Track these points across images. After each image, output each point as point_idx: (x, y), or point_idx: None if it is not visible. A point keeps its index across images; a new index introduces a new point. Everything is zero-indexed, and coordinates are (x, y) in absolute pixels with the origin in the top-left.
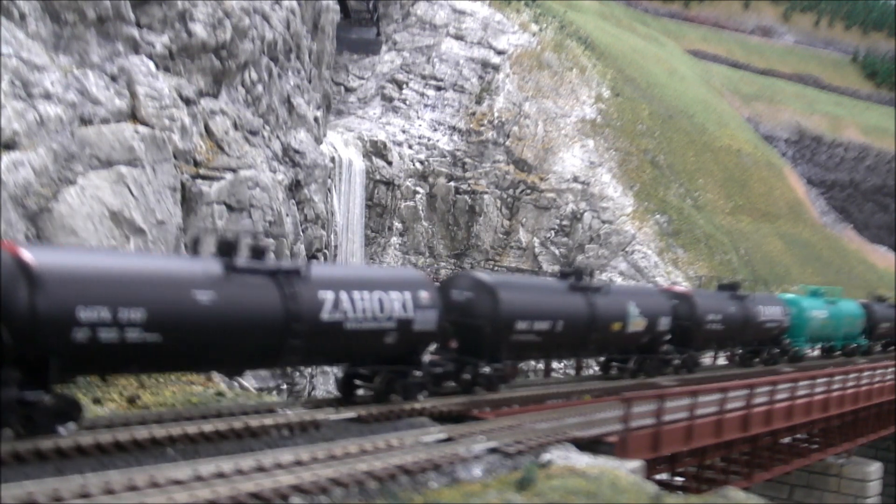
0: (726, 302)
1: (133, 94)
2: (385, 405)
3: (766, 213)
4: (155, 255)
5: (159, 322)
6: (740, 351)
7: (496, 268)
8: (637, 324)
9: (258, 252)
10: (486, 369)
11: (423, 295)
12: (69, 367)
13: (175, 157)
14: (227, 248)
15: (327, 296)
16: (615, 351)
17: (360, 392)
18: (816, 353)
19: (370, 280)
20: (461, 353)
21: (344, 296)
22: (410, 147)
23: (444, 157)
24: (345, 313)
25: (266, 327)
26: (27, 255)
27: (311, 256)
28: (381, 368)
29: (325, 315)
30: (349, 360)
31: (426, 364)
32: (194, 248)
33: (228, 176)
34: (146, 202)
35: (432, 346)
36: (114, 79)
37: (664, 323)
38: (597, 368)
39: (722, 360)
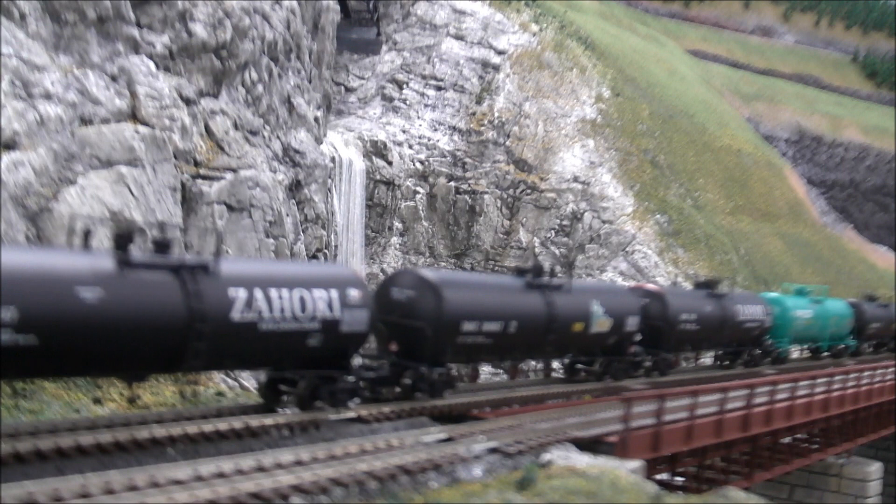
0: (702, 301)
1: (133, 94)
2: (310, 413)
3: (766, 213)
4: (35, 249)
5: (33, 323)
6: (720, 352)
7: (497, 268)
8: (601, 324)
9: (161, 246)
10: (432, 374)
11: (352, 293)
12: None
13: (175, 157)
14: (122, 241)
15: (239, 294)
16: (577, 353)
17: (286, 398)
18: (803, 354)
19: (291, 277)
20: (402, 357)
21: (259, 294)
22: (410, 147)
23: (445, 157)
24: (259, 313)
25: (165, 329)
26: None
27: (312, 256)
28: (307, 373)
29: (236, 315)
30: (267, 364)
31: (358, 368)
32: (84, 240)
33: (228, 176)
34: (146, 202)
35: (372, 350)
36: (114, 79)
37: (632, 323)
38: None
39: (708, 361)
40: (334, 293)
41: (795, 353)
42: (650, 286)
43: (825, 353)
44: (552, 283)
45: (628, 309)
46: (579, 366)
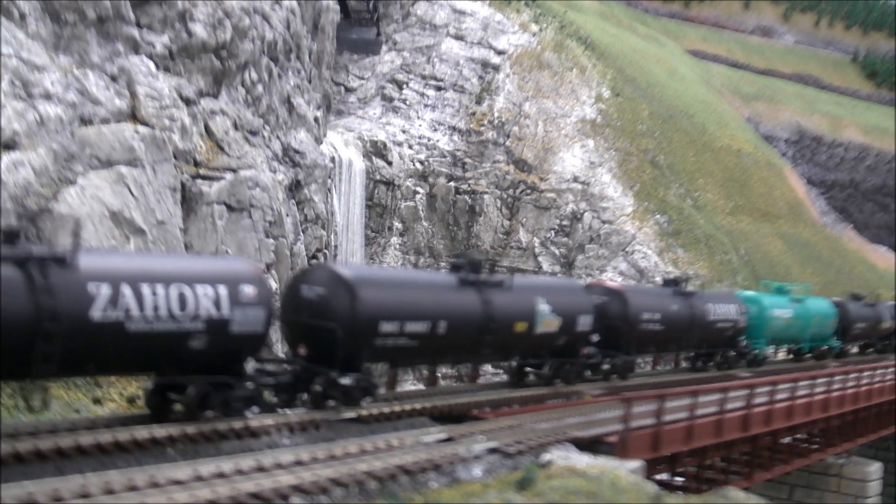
0: (668, 299)
1: (133, 94)
2: (202, 423)
3: (766, 213)
4: None
5: None
6: (692, 354)
7: (497, 268)
8: (548, 323)
9: (10, 236)
10: (345, 380)
11: (246, 290)
12: None
13: (175, 157)
14: None
15: (101, 289)
16: (522, 355)
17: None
18: (782, 355)
19: (168, 272)
20: (311, 361)
21: (127, 290)
22: (410, 147)
23: (444, 157)
24: (127, 311)
25: (6, 329)
26: None
27: (312, 257)
28: (196, 379)
29: (97, 313)
30: (141, 370)
31: (257, 374)
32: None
33: (228, 176)
34: (146, 202)
35: (277, 352)
36: (114, 79)
37: (584, 322)
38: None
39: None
40: (223, 290)
41: (780, 354)
42: (610, 283)
43: (807, 355)
44: (490, 280)
45: (580, 307)
46: (528, 369)
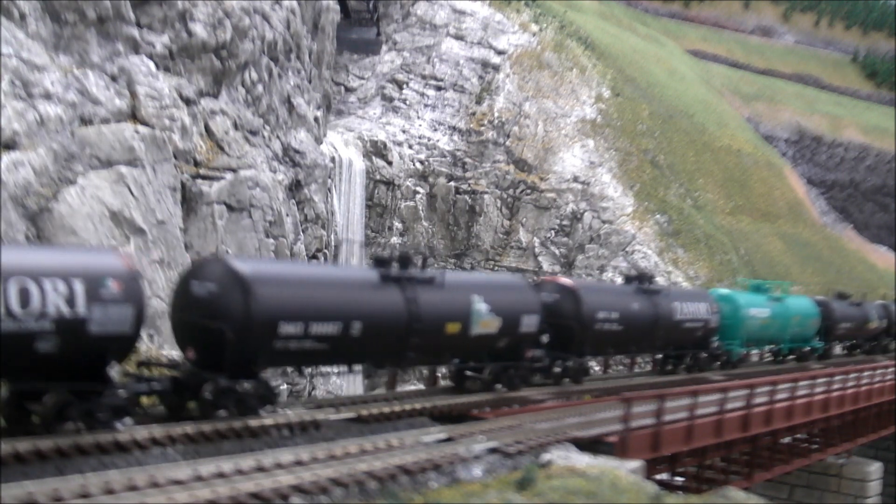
0: (627, 297)
1: (133, 94)
2: (59, 438)
3: (766, 213)
4: None
5: None
6: (660, 356)
7: (496, 268)
8: (486, 324)
9: None
10: (238, 387)
11: (109, 285)
12: None
13: (175, 157)
14: None
15: None
16: (453, 358)
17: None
18: (762, 357)
19: (8, 264)
20: (201, 366)
21: None
22: (410, 147)
23: (444, 157)
24: None
25: None
26: None
27: (312, 256)
28: (55, 386)
29: None
30: None
31: (130, 381)
32: None
33: (228, 176)
34: (146, 202)
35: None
36: (114, 79)
37: (529, 323)
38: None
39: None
40: (78, 285)
41: (758, 356)
42: (563, 280)
43: (789, 357)
44: (417, 276)
45: (524, 306)
46: (469, 373)
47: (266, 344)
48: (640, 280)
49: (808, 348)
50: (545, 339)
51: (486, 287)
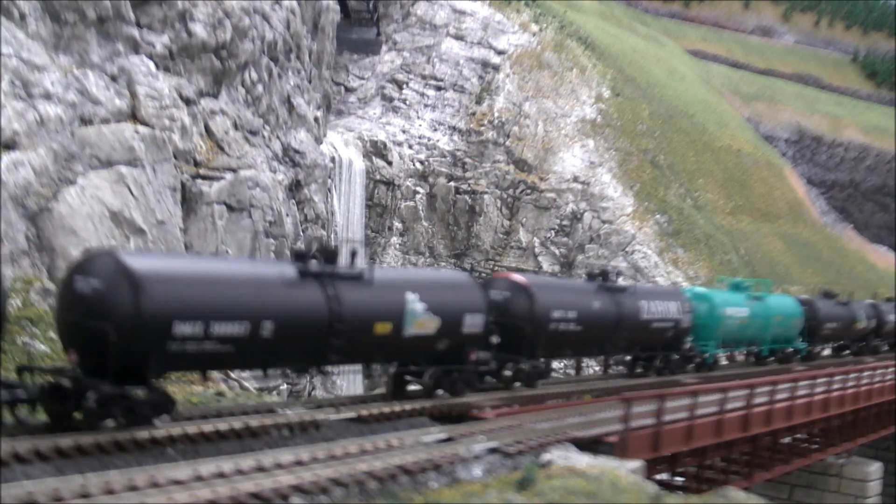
0: (588, 295)
1: (133, 94)
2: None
3: (766, 213)
4: None
5: None
6: (629, 358)
7: (496, 268)
8: (422, 324)
9: None
10: (125, 393)
11: None
12: None
13: (175, 157)
14: None
15: None
16: (383, 361)
17: None
18: (741, 358)
19: None
20: (85, 370)
21: None
22: (410, 147)
23: (444, 157)
24: None
25: None
26: None
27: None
28: None
29: None
30: None
31: None
32: None
33: (228, 176)
34: (146, 202)
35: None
36: (114, 79)
37: (474, 322)
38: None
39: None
40: None
41: (736, 357)
42: (515, 276)
43: (770, 358)
44: (342, 272)
45: (467, 305)
46: (408, 378)
47: (158, 346)
48: (603, 277)
49: (791, 349)
50: (495, 340)
51: (422, 284)
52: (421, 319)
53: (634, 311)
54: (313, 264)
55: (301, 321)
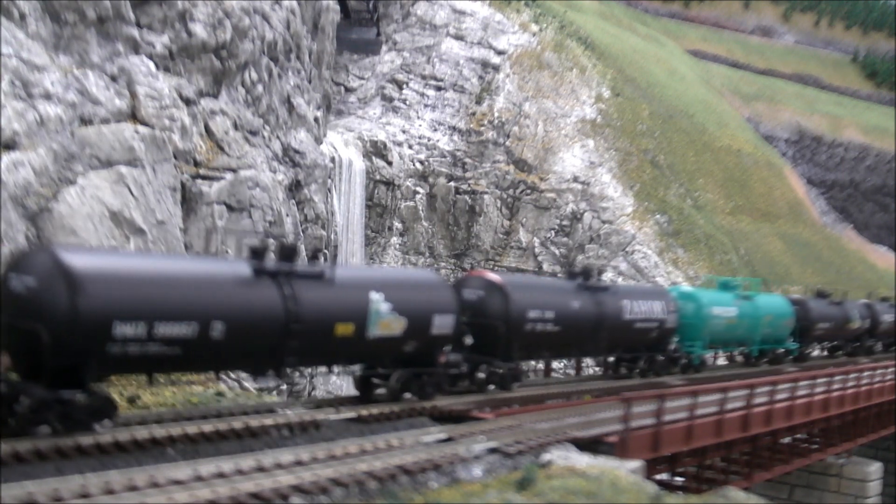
0: (567, 295)
1: (133, 94)
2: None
3: (766, 213)
4: None
5: None
6: (612, 359)
7: (496, 268)
8: (387, 325)
9: None
10: (59, 398)
11: None
12: None
13: (175, 157)
14: None
15: None
16: (347, 363)
17: None
18: (740, 359)
19: None
20: (20, 374)
21: None
22: (410, 147)
23: (444, 157)
24: None
25: None
26: None
27: (312, 256)
28: None
29: None
30: None
31: None
32: None
33: (228, 176)
34: (146, 202)
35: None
36: (114, 79)
37: (443, 323)
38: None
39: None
40: None
41: (722, 359)
42: (490, 275)
43: (763, 360)
44: (301, 270)
45: (436, 305)
46: (375, 381)
47: (97, 348)
48: (584, 276)
49: (782, 350)
50: (468, 341)
51: (387, 283)
52: (386, 320)
53: (616, 311)
54: (270, 262)
55: (255, 322)
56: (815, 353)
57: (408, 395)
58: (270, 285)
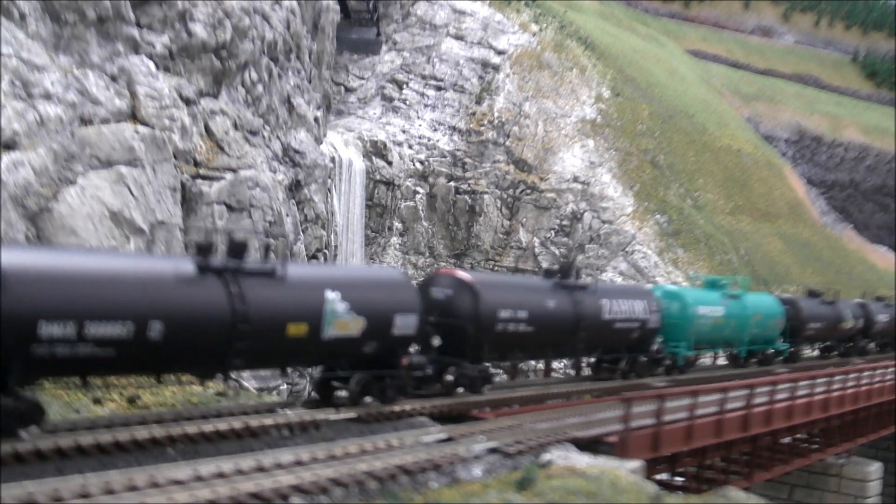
0: (541, 294)
1: (133, 94)
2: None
3: (766, 213)
4: None
5: None
6: (592, 360)
7: (496, 268)
8: (343, 325)
9: None
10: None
11: None
12: None
13: (175, 157)
14: None
15: None
16: (301, 365)
17: None
18: (719, 360)
19: None
20: None
21: None
22: (410, 147)
23: (444, 157)
24: None
25: None
26: None
27: (312, 256)
28: None
29: None
30: None
31: None
32: None
33: (228, 176)
34: (146, 202)
35: None
36: (114, 79)
37: (406, 323)
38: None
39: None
40: None
41: (708, 359)
42: (459, 273)
43: (750, 360)
44: (248, 268)
45: (398, 304)
46: (335, 384)
47: (20, 350)
48: (561, 274)
49: (772, 351)
50: (436, 342)
51: (345, 282)
52: (343, 320)
53: (595, 311)
54: (216, 259)
55: (197, 322)
56: (807, 353)
57: (368, 399)
58: (216, 283)
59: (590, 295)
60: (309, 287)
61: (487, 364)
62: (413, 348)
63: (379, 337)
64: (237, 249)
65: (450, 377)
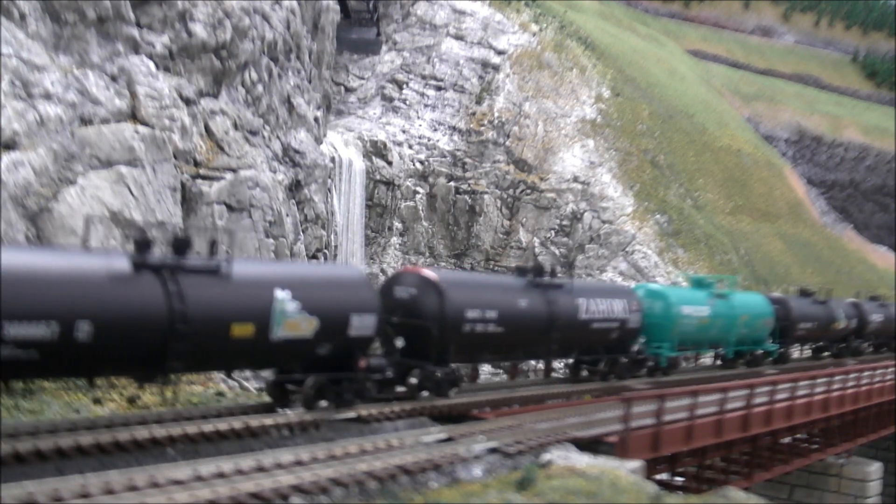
0: (512, 293)
1: (133, 94)
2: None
3: (766, 213)
4: None
5: None
6: (571, 361)
7: (496, 268)
8: (295, 325)
9: None
10: None
11: None
12: None
13: (175, 157)
14: None
15: None
16: (248, 368)
17: None
18: (705, 360)
19: None
20: None
21: None
22: (410, 147)
23: (444, 157)
24: None
25: None
26: None
27: (312, 256)
28: None
29: None
30: None
31: None
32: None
33: (228, 176)
34: (146, 202)
35: None
36: (114, 79)
37: (363, 324)
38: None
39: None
40: None
41: (702, 360)
42: (424, 271)
43: (738, 361)
44: (189, 265)
45: (355, 304)
46: (290, 387)
47: None
48: (535, 273)
49: (761, 352)
50: (399, 343)
51: (296, 280)
52: (293, 320)
53: (571, 311)
54: (154, 255)
55: (130, 322)
56: (797, 354)
57: (323, 403)
58: (152, 281)
59: (565, 294)
60: (256, 285)
61: (454, 366)
62: (378, 350)
63: (334, 338)
64: (180, 246)
65: (413, 380)
